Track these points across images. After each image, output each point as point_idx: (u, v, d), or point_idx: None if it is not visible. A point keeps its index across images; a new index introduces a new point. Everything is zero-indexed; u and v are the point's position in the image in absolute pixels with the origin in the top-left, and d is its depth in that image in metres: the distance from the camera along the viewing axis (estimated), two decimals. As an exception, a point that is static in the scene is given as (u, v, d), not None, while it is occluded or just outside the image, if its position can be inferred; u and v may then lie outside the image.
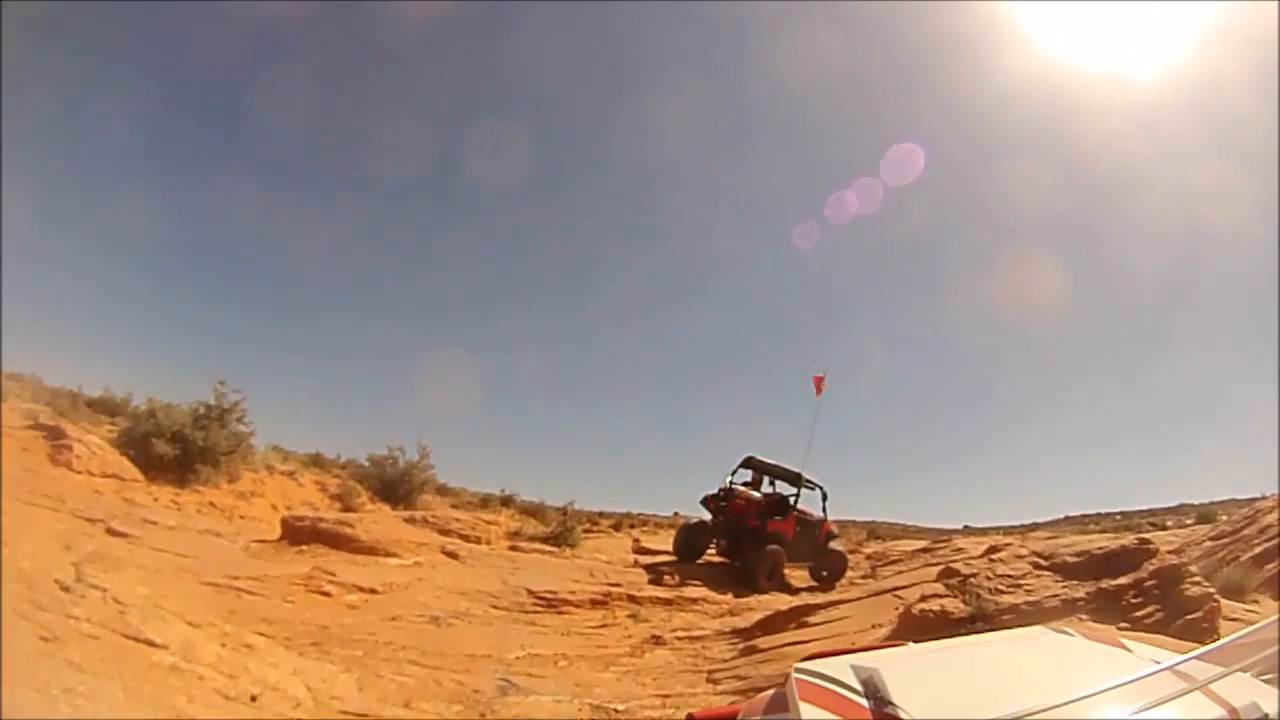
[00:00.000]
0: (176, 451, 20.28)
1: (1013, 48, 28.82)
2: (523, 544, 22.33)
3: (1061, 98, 30.38)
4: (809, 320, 49.61)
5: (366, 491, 28.38)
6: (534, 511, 36.50)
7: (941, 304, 48.82)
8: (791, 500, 21.12)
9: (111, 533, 13.42)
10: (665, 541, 30.51)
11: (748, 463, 21.97)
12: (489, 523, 24.38)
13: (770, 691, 3.55)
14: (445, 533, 20.53)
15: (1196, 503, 38.79)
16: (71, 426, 18.97)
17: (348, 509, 26.28)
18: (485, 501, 37.49)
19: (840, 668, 2.90)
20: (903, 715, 2.48)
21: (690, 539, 21.40)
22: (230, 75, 32.50)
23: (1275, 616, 2.93)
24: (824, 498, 21.88)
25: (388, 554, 15.60)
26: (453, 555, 17.72)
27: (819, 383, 20.96)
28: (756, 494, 21.31)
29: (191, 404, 21.65)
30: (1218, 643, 2.85)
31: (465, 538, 20.94)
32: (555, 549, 22.20)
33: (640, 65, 35.87)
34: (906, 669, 2.89)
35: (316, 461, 35.23)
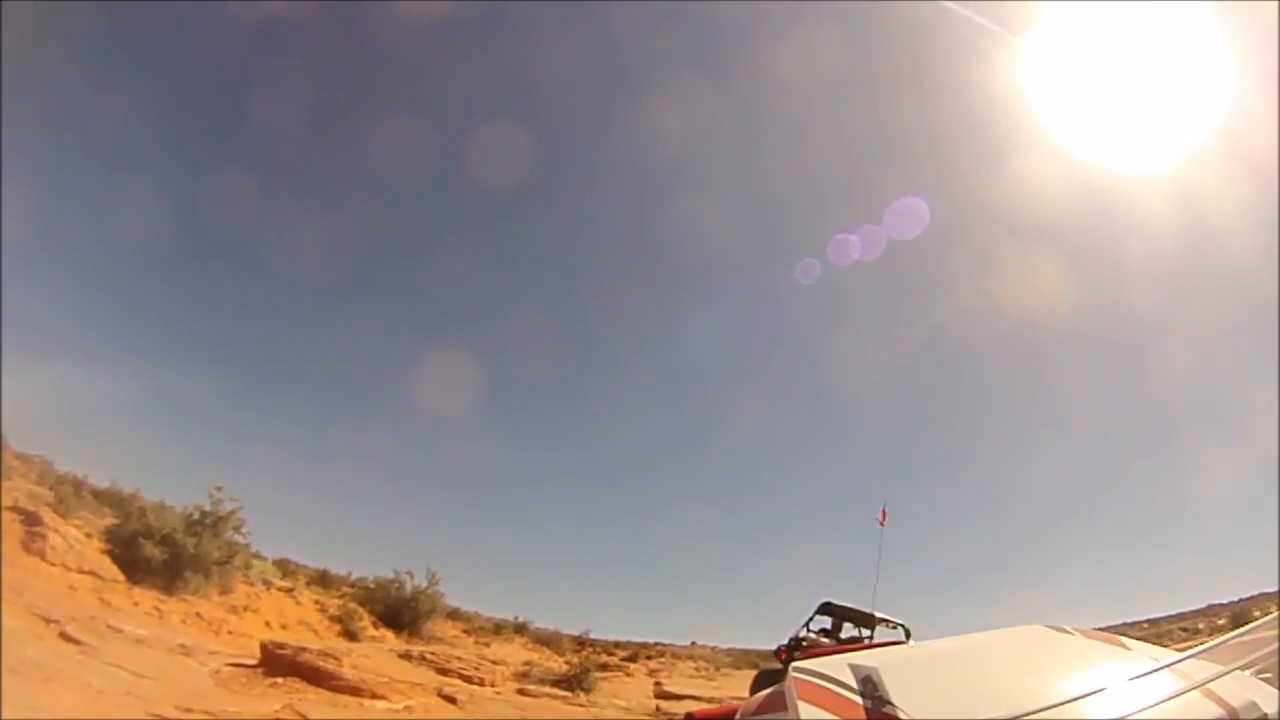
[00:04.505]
0: (165, 556, 18.69)
1: (1040, 132, 28.39)
2: (532, 687, 20.19)
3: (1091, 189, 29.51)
4: (840, 439, 47.30)
5: (370, 615, 26.57)
6: (548, 640, 34.96)
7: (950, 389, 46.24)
8: (867, 645, 18.91)
9: (65, 638, 11.70)
10: (689, 681, 27.91)
11: (825, 608, 19.89)
12: (495, 662, 22.02)
13: (769, 690, 3.61)
14: (444, 672, 18.30)
15: (1226, 602, 36.16)
16: (50, 515, 17.48)
17: (347, 633, 24.41)
18: (498, 628, 35.94)
19: (838, 667, 2.85)
20: (901, 714, 2.50)
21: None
22: (230, 75, 32.99)
23: (1273, 615, 2.94)
24: (907, 635, 19.61)
25: (374, 695, 13.50)
26: (450, 699, 15.54)
27: (883, 514, 18.98)
28: (827, 641, 19.19)
29: (186, 507, 20.33)
30: (1216, 641, 2.69)
31: (467, 679, 18.68)
32: (569, 693, 20.13)
33: (643, 67, 35.96)
34: (905, 668, 2.90)
35: (323, 579, 33.33)
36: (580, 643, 34.11)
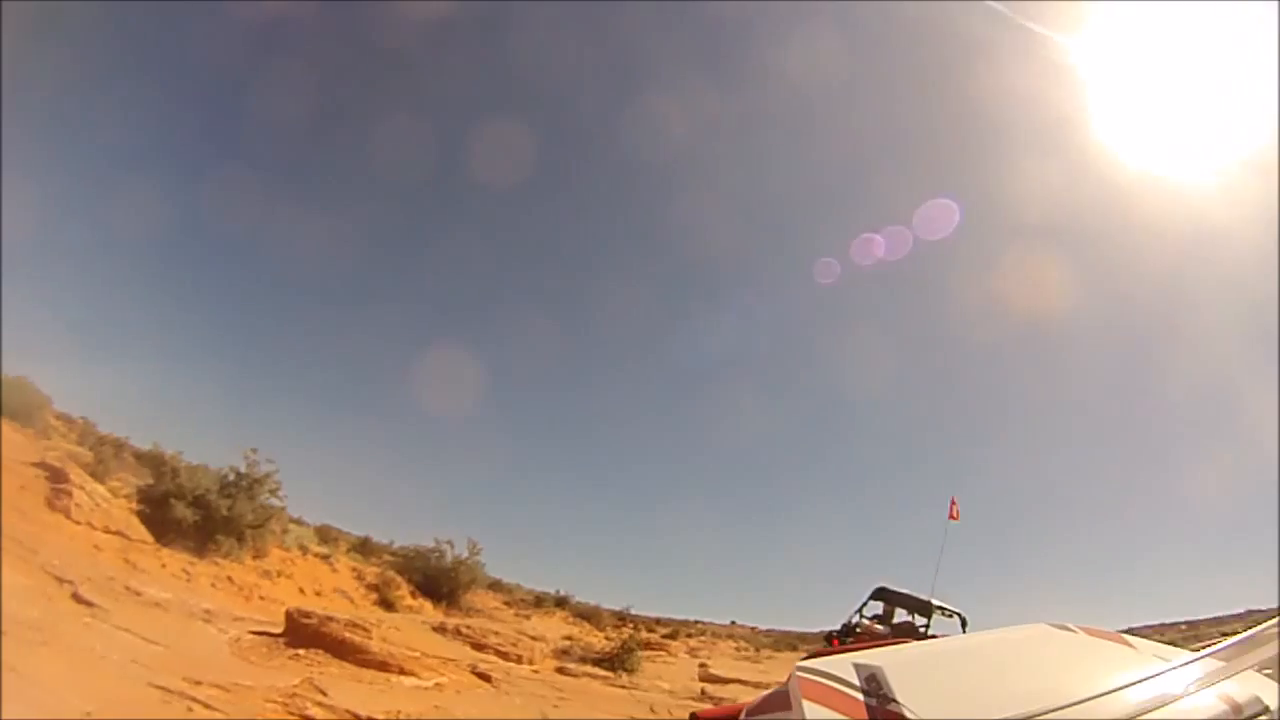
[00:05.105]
0: (197, 517, 18.18)
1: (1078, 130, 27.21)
2: (572, 665, 19.39)
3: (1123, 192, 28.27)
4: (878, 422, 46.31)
5: (408, 585, 26.06)
6: (589, 615, 34.36)
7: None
8: (923, 632, 17.95)
9: (77, 599, 11.03)
10: (733, 664, 27.10)
11: (880, 594, 18.93)
12: (534, 638, 21.18)
13: (773, 689, 3.65)
14: (480, 647, 17.46)
15: (1265, 608, 33.85)
16: (77, 472, 16.95)
17: (384, 602, 23.85)
18: (539, 601, 35.50)
19: (843, 666, 2.84)
20: (907, 713, 2.43)
21: None
22: (230, 75, 32.68)
23: None
24: (963, 625, 18.55)
25: (403, 671, 12.66)
26: (485, 677, 14.66)
27: (954, 506, 17.90)
28: (882, 628, 18.22)
29: (220, 469, 19.81)
30: (1224, 642, 2.47)
31: (504, 655, 17.84)
32: (610, 673, 19.24)
33: (652, 68, 35.06)
34: (910, 667, 2.87)
35: (364, 546, 33.03)
36: (621, 619, 33.61)
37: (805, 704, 2.68)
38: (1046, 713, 2.16)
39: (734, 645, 37.38)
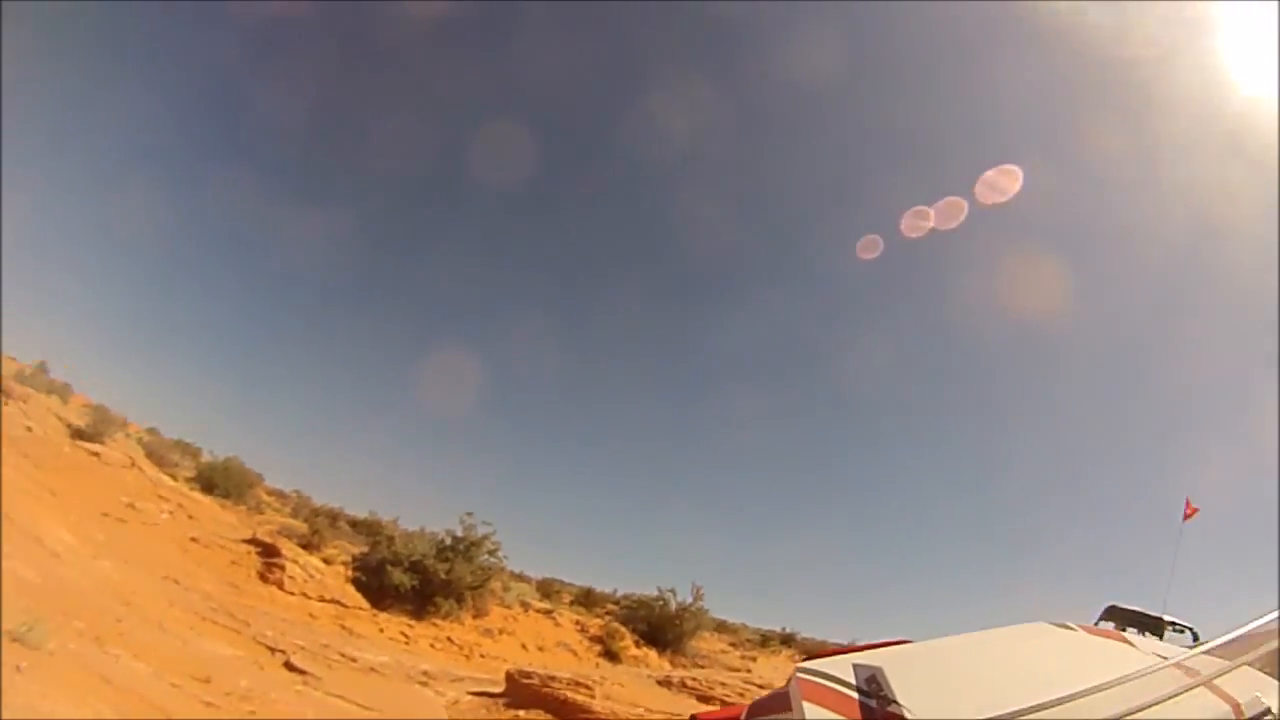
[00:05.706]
0: (414, 582, 18.05)
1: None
2: (800, 713, 17.29)
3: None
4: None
5: (631, 635, 25.14)
6: (815, 651, 31.70)
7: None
8: None
9: (289, 668, 10.57)
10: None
11: (1110, 613, 16.19)
12: (761, 687, 19.36)
13: (773, 690, 3.72)
14: (706, 700, 15.89)
15: None
16: (288, 546, 17.20)
17: (607, 654, 23.03)
18: (765, 640, 33.76)
19: (842, 667, 2.87)
20: (906, 713, 2.46)
21: None
22: (230, 75, 33.08)
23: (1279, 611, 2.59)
24: (1195, 640, 15.21)
25: (626, 730, 11.34)
26: (711, 733, 13.04)
27: (1189, 508, 15.02)
28: None
29: (436, 533, 19.81)
30: (1222, 638, 2.60)
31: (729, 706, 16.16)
32: (840, 718, 17.01)
33: (654, 65, 33.23)
34: (910, 667, 2.88)
35: (586, 598, 32.66)
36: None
37: (805, 705, 2.67)
38: (1040, 708, 2.13)
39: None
